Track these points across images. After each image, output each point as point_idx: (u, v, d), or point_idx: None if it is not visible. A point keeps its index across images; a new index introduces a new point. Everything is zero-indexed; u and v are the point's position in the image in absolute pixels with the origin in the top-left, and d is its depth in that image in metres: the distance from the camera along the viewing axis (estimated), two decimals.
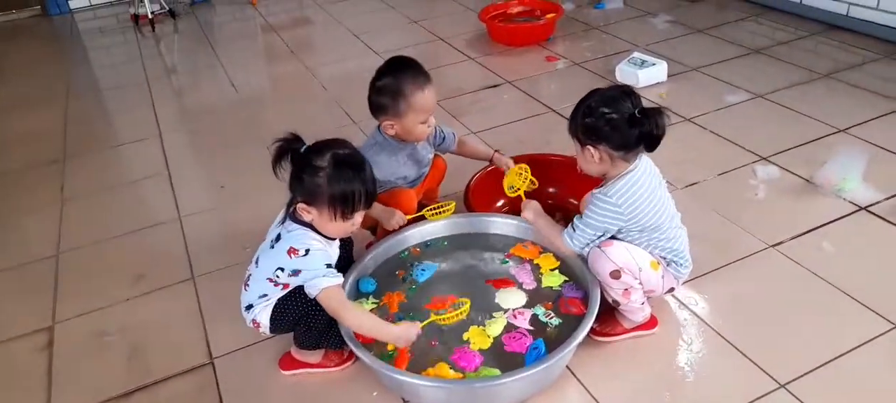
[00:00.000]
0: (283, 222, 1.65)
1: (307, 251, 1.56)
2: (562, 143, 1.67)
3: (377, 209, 1.92)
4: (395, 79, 1.89)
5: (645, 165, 1.65)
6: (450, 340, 1.67)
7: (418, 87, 1.88)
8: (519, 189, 2.03)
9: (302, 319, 1.64)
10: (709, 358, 1.70)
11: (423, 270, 1.90)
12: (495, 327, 1.69)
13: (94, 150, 3.15)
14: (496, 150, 2.16)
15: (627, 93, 1.60)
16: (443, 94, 3.27)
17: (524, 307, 1.74)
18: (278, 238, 1.63)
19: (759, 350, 1.70)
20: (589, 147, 1.61)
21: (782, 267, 1.98)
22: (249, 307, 1.68)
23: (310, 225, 1.61)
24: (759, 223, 2.15)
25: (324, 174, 1.53)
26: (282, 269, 1.59)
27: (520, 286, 1.82)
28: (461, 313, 1.66)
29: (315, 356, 1.76)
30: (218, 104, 3.53)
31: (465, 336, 1.67)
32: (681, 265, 1.70)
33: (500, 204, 2.28)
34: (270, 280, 1.62)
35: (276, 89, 3.82)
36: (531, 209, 1.88)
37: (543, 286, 1.81)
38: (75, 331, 2.02)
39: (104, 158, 3.08)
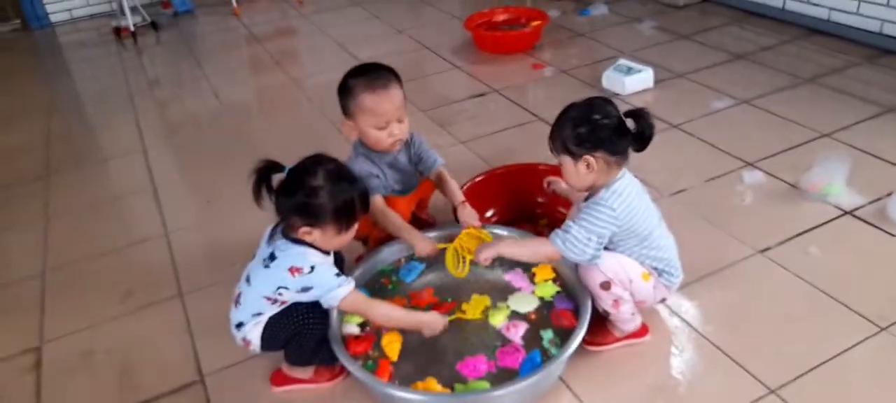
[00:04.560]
0: (270, 240, 1.63)
1: (312, 267, 1.56)
2: (550, 152, 1.68)
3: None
4: (350, 79, 1.89)
5: (628, 173, 1.65)
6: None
7: (369, 90, 1.85)
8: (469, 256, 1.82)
9: (294, 337, 1.63)
10: (700, 365, 1.71)
11: (409, 270, 1.94)
12: (497, 317, 1.74)
13: (79, 166, 3.11)
14: (464, 201, 1.98)
15: (606, 100, 1.62)
16: (429, 104, 3.27)
17: (534, 311, 1.77)
18: (273, 257, 1.60)
19: (749, 356, 1.71)
20: (586, 157, 1.57)
21: (770, 272, 2.00)
22: (240, 325, 1.67)
23: (304, 243, 1.60)
24: (746, 229, 2.17)
25: (325, 192, 1.53)
26: (286, 288, 1.58)
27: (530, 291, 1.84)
28: (482, 303, 1.79)
29: (306, 372, 1.75)
30: (202, 117, 3.51)
31: (464, 306, 1.78)
32: (672, 274, 1.70)
33: (489, 213, 2.28)
34: (269, 298, 1.61)
35: (261, 101, 3.80)
36: (490, 248, 1.71)
37: (536, 294, 1.82)
38: (63, 351, 2.00)
39: (89, 174, 3.04)
